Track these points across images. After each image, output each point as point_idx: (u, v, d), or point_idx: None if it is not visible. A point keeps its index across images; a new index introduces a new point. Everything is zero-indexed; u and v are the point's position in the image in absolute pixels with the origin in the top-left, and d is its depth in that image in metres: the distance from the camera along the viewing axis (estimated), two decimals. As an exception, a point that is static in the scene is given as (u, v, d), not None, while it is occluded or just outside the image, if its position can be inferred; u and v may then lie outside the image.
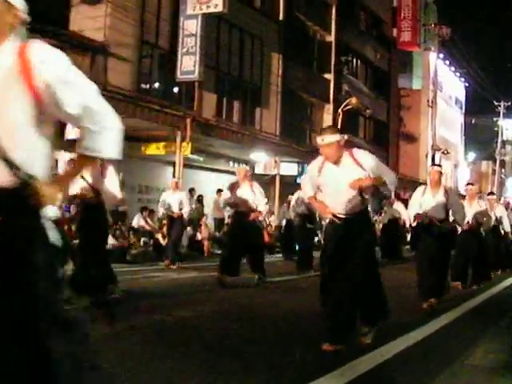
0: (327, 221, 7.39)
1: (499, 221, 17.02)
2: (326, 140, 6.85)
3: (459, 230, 13.18)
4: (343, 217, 7.01)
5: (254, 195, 12.83)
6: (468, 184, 15.65)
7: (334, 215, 7.03)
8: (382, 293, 7.26)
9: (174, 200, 17.30)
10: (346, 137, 7.18)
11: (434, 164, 12.10)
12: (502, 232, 17.45)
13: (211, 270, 15.22)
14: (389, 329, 7.85)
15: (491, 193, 20.28)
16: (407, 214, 11.76)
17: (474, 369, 6.22)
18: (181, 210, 17.27)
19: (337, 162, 6.95)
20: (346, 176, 6.87)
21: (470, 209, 13.46)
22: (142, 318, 8.38)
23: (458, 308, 10.15)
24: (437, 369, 6.05)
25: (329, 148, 6.86)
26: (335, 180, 6.98)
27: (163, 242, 19.83)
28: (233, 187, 13.10)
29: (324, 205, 7.22)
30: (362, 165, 6.87)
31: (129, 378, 5.41)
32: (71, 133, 18.35)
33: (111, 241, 18.25)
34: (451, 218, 10.79)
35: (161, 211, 17.96)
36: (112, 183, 10.02)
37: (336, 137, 6.87)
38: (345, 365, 5.88)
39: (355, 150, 7.11)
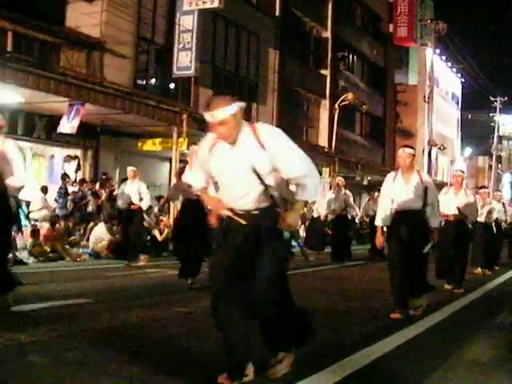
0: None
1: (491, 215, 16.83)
2: (217, 116, 4.92)
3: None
4: (242, 213, 5.15)
5: None
6: (457, 170, 13.88)
7: (233, 212, 5.16)
8: (292, 313, 5.33)
9: (132, 191, 16.08)
10: (243, 105, 5.07)
11: (404, 146, 9.74)
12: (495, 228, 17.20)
13: (206, 266, 15.31)
14: (382, 326, 7.87)
15: (483, 186, 20.21)
16: (378, 214, 9.40)
17: (470, 364, 6.23)
18: (141, 200, 16.04)
19: (233, 141, 5.10)
20: (244, 159, 5.04)
21: (456, 198, 12.37)
22: (137, 313, 8.38)
23: (453, 304, 10.16)
24: (432, 365, 6.05)
25: (222, 126, 4.97)
26: (229, 164, 5.12)
27: (160, 237, 19.86)
28: (181, 172, 11.89)
29: (217, 199, 5.35)
30: (264, 146, 5.02)
31: (121, 372, 5.42)
32: (64, 127, 18.31)
33: (107, 236, 18.29)
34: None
35: (120, 203, 16.53)
36: (14, 165, 8.28)
37: (231, 109, 4.93)
38: (337, 362, 5.87)
39: (259, 126, 5.24)
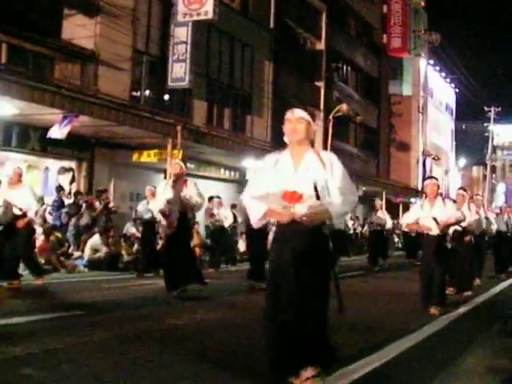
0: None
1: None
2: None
3: None
4: None
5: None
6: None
7: None
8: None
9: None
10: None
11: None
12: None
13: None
14: (382, 335, 7.85)
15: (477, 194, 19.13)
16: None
17: (468, 373, 6.23)
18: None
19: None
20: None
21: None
22: (133, 325, 8.35)
23: (451, 314, 10.16)
24: (430, 374, 6.05)
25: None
26: None
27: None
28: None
29: None
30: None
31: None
32: (54, 132, 18.20)
33: (104, 248, 18.28)
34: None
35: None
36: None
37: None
38: (339, 370, 5.85)
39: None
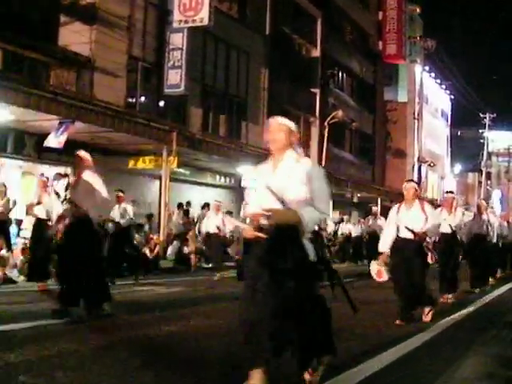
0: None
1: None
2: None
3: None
4: None
5: None
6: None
7: None
8: None
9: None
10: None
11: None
12: None
13: (198, 285, 15.32)
14: (375, 343, 7.84)
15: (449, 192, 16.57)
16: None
17: (464, 380, 6.21)
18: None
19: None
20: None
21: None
22: (128, 332, 8.34)
23: (445, 321, 10.14)
24: (425, 381, 6.05)
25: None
26: None
27: (150, 256, 19.84)
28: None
29: None
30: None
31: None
32: (51, 141, 18.21)
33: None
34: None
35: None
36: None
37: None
38: (335, 377, 5.85)
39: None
